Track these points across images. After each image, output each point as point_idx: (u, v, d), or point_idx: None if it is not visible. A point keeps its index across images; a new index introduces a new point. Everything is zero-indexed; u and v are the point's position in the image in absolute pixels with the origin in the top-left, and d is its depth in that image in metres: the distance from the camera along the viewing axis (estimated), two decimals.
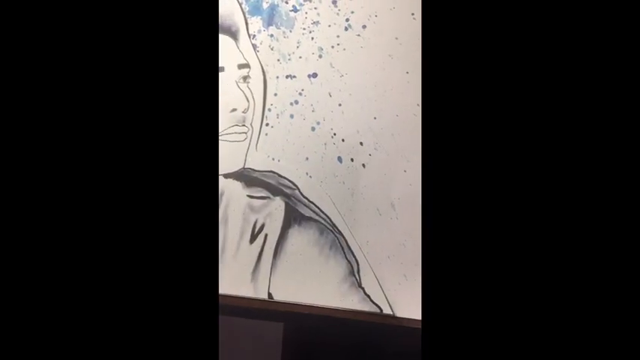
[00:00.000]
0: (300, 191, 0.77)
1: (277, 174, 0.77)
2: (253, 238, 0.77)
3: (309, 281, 0.75)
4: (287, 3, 0.79)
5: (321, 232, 0.76)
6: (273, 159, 0.77)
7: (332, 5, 0.78)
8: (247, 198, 0.78)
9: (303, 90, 0.78)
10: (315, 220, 0.76)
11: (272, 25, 0.79)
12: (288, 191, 0.77)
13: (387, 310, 0.74)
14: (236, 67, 0.79)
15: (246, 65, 0.79)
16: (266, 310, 0.75)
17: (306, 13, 0.78)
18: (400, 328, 0.73)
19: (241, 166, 0.78)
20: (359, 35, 0.77)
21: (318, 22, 0.78)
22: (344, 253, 0.75)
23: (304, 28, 0.78)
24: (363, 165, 0.76)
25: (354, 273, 0.75)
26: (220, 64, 0.79)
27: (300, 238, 0.76)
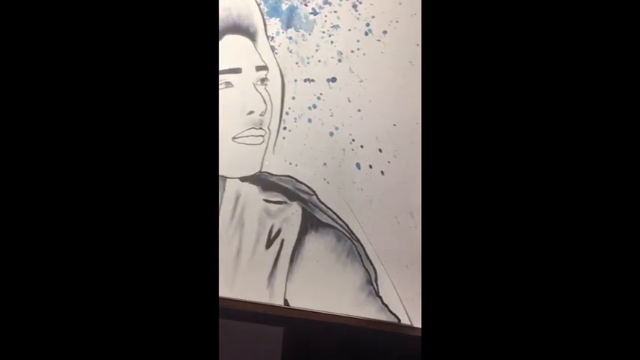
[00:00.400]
0: (317, 197, 0.76)
1: (294, 179, 0.76)
2: (269, 243, 0.76)
3: (326, 289, 0.75)
4: (306, 5, 0.78)
5: (339, 239, 0.75)
6: (291, 163, 0.76)
7: (352, 9, 0.77)
8: (264, 202, 0.76)
9: (321, 94, 0.77)
10: (333, 227, 0.75)
11: (291, 27, 0.78)
12: (305, 196, 0.76)
13: (404, 321, 0.73)
14: (254, 69, 0.78)
15: (264, 67, 0.78)
16: (283, 317, 0.74)
17: (326, 16, 0.77)
18: (418, 339, 0.72)
19: (258, 170, 0.77)
20: (379, 40, 0.76)
21: (337, 25, 0.77)
22: (361, 261, 0.74)
23: (324, 32, 0.77)
24: (382, 172, 0.75)
25: (371, 282, 0.74)
26: (238, 65, 0.78)
27: (317, 245, 0.75)
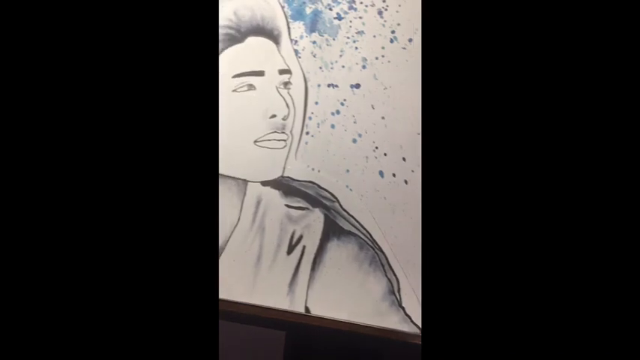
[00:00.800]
0: (340, 204, 0.75)
1: (317, 185, 0.75)
2: (291, 249, 0.75)
3: (347, 297, 0.74)
4: (331, 10, 0.77)
5: (361, 248, 0.74)
6: (313, 169, 0.76)
7: (377, 16, 0.76)
8: (285, 207, 0.76)
9: (345, 100, 0.76)
10: (355, 235, 0.74)
11: (315, 31, 0.77)
12: (327, 203, 0.75)
13: None
14: (277, 72, 0.77)
15: (288, 71, 0.77)
16: (303, 325, 0.73)
17: (351, 22, 0.77)
18: None
19: (279, 174, 0.76)
20: (404, 48, 0.76)
21: (362, 31, 0.76)
22: (384, 270, 0.74)
23: (348, 37, 0.77)
24: (405, 181, 0.75)
25: (394, 292, 0.73)
26: (260, 68, 0.77)
27: (339, 252, 0.74)
